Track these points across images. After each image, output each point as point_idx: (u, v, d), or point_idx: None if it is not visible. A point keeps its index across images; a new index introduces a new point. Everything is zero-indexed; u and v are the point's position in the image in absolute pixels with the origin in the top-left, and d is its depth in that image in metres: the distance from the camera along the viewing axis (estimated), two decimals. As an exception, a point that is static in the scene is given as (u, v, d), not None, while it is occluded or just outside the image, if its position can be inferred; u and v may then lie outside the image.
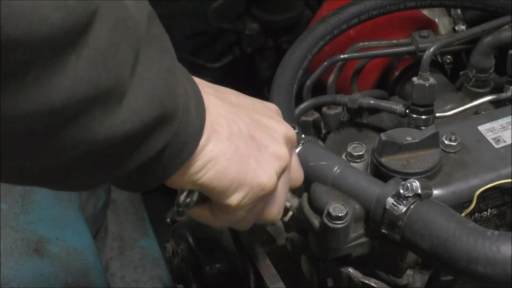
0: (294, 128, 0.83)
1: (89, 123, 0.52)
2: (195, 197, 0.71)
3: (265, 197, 0.71)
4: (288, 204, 0.92)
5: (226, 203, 0.68)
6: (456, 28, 1.29)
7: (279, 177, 0.71)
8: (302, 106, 1.08)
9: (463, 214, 0.84)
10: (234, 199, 0.68)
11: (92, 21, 0.48)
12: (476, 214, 0.87)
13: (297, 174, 0.79)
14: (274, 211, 0.76)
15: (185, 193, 0.71)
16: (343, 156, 0.87)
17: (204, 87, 0.67)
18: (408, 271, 0.89)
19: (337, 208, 0.80)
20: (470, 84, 1.12)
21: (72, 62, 0.48)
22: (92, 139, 0.53)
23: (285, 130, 0.72)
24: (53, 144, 0.52)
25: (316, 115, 1.15)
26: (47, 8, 0.45)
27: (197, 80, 0.67)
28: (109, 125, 0.53)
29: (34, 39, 0.45)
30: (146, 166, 0.60)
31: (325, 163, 0.84)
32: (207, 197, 0.71)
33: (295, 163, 0.78)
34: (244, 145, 0.67)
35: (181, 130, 0.61)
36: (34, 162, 0.53)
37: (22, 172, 0.54)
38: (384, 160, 0.85)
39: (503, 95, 1.07)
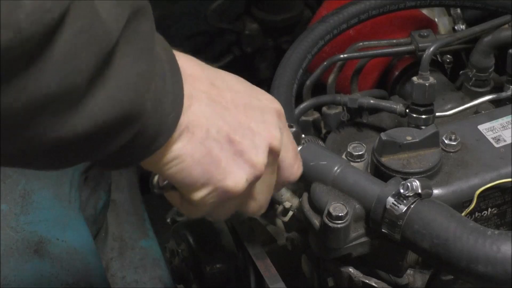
0: (292, 127, 0.83)
1: (37, 128, 0.53)
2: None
3: (233, 199, 0.72)
4: (288, 204, 0.92)
5: (188, 197, 0.70)
6: (455, 27, 1.29)
7: (251, 183, 0.72)
8: (302, 106, 1.08)
9: (463, 214, 0.84)
10: (196, 196, 0.70)
11: (49, 37, 0.49)
12: (477, 214, 0.87)
13: (291, 170, 0.79)
14: (253, 208, 0.78)
15: (158, 175, 0.72)
16: (343, 156, 0.87)
17: (197, 81, 0.68)
18: (408, 271, 0.89)
19: (337, 207, 0.80)
20: (470, 84, 1.12)
21: (21, 73, 0.49)
22: (49, 138, 0.54)
23: (270, 139, 0.72)
24: (9, 142, 0.53)
25: (316, 115, 1.15)
26: (23, 15, 0.45)
27: (195, 68, 0.68)
28: (65, 126, 0.54)
29: (8, 48, 0.46)
30: (113, 155, 0.62)
31: (325, 163, 0.84)
32: None
33: (290, 159, 0.78)
34: (218, 149, 0.68)
35: (149, 126, 0.61)
36: None
37: None
38: (384, 159, 0.85)
39: (503, 94, 1.07)
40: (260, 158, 0.71)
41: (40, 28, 0.48)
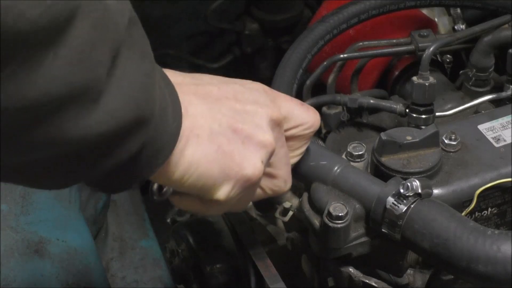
0: None
1: (62, 123, 0.51)
2: (171, 188, 0.72)
3: (255, 185, 0.72)
4: (288, 204, 0.93)
5: (214, 198, 0.70)
6: (455, 27, 1.29)
7: (267, 163, 0.72)
8: (302, 106, 1.07)
9: (463, 213, 0.84)
10: (221, 194, 0.70)
11: (71, 19, 0.48)
12: (477, 213, 0.87)
13: (307, 113, 0.79)
14: (279, 186, 0.78)
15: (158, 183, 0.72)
16: (343, 156, 0.87)
17: (184, 86, 0.68)
18: (408, 271, 0.89)
19: (337, 207, 0.80)
20: (470, 83, 1.12)
21: (49, 59, 0.48)
22: (65, 139, 0.53)
23: (269, 113, 0.72)
24: (24, 142, 0.51)
25: (316, 115, 1.15)
26: (24, 5, 0.45)
27: (177, 77, 0.68)
28: (83, 126, 0.53)
29: (10, 35, 0.45)
30: (121, 168, 0.60)
31: (325, 162, 0.84)
32: None
33: (295, 110, 0.78)
34: (226, 141, 0.68)
35: (157, 135, 0.61)
36: (5, 159, 0.53)
37: None
38: (384, 159, 0.85)
39: (503, 94, 1.07)
40: (267, 135, 0.71)
41: (63, 9, 0.47)
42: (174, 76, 0.68)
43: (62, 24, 0.48)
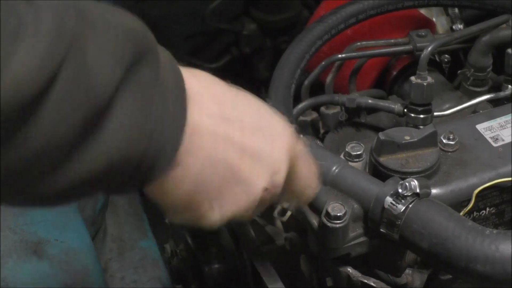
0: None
1: (36, 179, 0.53)
2: None
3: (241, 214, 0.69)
4: (286, 204, 0.92)
5: (199, 224, 0.69)
6: (453, 27, 1.29)
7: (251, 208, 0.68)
8: (300, 106, 1.07)
9: (461, 213, 0.84)
10: (207, 223, 0.69)
11: (45, 93, 0.49)
12: (475, 213, 0.87)
13: (307, 182, 0.75)
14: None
15: None
16: (342, 156, 0.87)
17: (204, 105, 0.63)
18: (407, 270, 0.89)
19: (336, 207, 0.80)
20: (468, 83, 1.12)
21: (19, 135, 0.49)
22: (45, 189, 0.54)
23: (273, 168, 0.67)
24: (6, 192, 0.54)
25: (314, 115, 1.15)
26: None
27: (200, 92, 0.63)
28: (61, 178, 0.54)
29: None
30: (112, 189, 0.62)
31: (323, 163, 0.84)
32: None
33: (306, 171, 0.74)
34: (215, 176, 0.64)
35: (147, 163, 0.59)
36: None
37: None
38: (382, 159, 0.85)
39: (501, 93, 1.07)
40: (260, 183, 0.66)
41: (32, 88, 0.47)
42: (200, 86, 0.64)
43: (33, 100, 0.48)
